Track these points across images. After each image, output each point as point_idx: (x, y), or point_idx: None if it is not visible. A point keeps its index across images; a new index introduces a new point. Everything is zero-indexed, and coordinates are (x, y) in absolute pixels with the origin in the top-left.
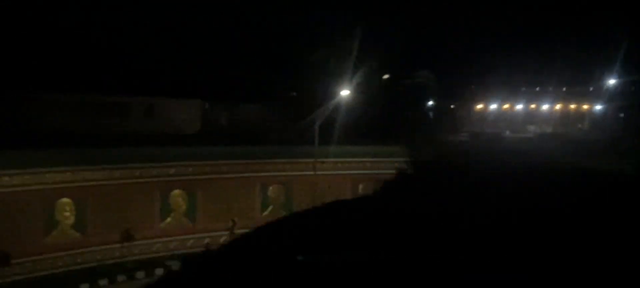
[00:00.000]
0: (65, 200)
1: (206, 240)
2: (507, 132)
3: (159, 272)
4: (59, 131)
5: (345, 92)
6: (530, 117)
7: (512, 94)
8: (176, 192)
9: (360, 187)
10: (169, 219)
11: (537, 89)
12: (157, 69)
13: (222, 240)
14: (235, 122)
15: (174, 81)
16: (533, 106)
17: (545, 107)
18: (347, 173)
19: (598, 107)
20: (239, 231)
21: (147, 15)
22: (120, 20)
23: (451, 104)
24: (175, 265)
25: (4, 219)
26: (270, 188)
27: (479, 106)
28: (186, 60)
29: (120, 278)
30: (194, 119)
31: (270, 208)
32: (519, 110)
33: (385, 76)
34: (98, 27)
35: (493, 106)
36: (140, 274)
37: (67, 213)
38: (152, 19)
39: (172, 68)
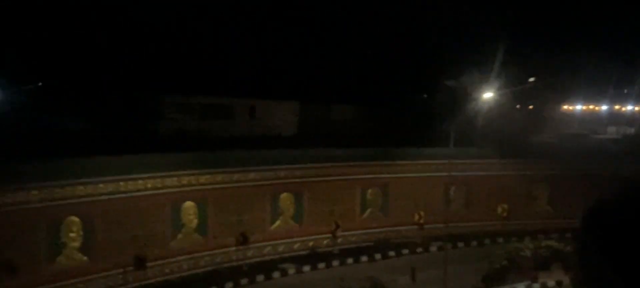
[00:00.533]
0: (189, 203)
1: (311, 243)
2: (590, 134)
3: (276, 275)
4: (170, 133)
5: (488, 94)
6: (613, 118)
7: (600, 94)
8: (285, 195)
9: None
10: (278, 222)
11: (626, 91)
12: (256, 70)
13: (325, 243)
14: (329, 123)
15: (272, 82)
16: (617, 107)
17: (629, 108)
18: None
19: None
20: (348, 232)
21: (245, 16)
22: (219, 21)
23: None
24: (291, 269)
25: (139, 223)
26: (369, 191)
27: (565, 107)
28: (282, 61)
29: (243, 281)
30: (291, 120)
31: (368, 210)
32: (603, 111)
33: (531, 79)
34: (199, 29)
35: (578, 107)
36: (260, 277)
37: (191, 217)
38: (250, 19)
39: (269, 69)
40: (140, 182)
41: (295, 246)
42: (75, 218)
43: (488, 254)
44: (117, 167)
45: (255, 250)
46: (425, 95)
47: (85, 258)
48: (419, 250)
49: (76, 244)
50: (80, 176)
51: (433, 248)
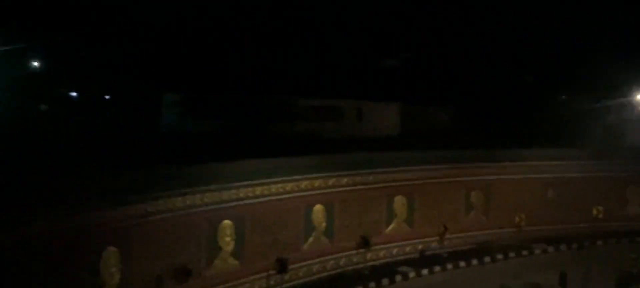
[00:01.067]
0: (319, 206)
1: (420, 246)
2: None
3: (398, 279)
4: (286, 135)
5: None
6: None
7: None
8: (398, 197)
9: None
10: (392, 225)
11: None
12: (362, 71)
13: (433, 245)
14: (429, 124)
15: (375, 83)
16: None
17: None
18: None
19: None
20: (453, 236)
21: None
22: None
23: None
24: (410, 272)
25: (279, 226)
26: (473, 193)
27: None
28: (384, 62)
29: (371, 285)
30: (394, 122)
31: (472, 213)
32: None
33: None
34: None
35: None
36: (385, 281)
37: (321, 220)
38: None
39: (372, 70)
40: (279, 185)
41: (407, 249)
42: (229, 222)
43: (597, 256)
44: (258, 171)
45: (372, 253)
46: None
47: (236, 262)
48: (524, 253)
49: (229, 248)
50: (231, 180)
51: (537, 251)
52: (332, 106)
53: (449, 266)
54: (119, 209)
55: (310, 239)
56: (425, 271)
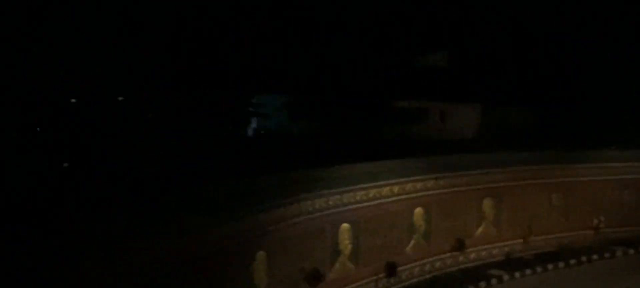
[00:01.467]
0: (419, 209)
1: (506, 249)
2: None
3: (494, 282)
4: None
5: None
6: None
7: None
8: (487, 200)
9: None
10: (481, 228)
11: None
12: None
13: (517, 248)
14: (507, 125)
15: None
16: None
17: None
18: None
19: None
20: (535, 238)
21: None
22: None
23: None
24: (505, 275)
25: (386, 230)
26: (553, 195)
27: None
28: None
29: None
30: (474, 123)
31: (553, 215)
32: None
33: None
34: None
35: None
36: (482, 284)
37: (421, 223)
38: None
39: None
40: (387, 188)
41: (493, 251)
42: (347, 226)
43: None
44: (371, 173)
45: (464, 256)
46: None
47: (352, 266)
48: (607, 255)
49: (348, 252)
50: (351, 182)
51: (618, 254)
52: (418, 108)
53: (539, 269)
54: (268, 213)
55: (412, 242)
56: (517, 274)
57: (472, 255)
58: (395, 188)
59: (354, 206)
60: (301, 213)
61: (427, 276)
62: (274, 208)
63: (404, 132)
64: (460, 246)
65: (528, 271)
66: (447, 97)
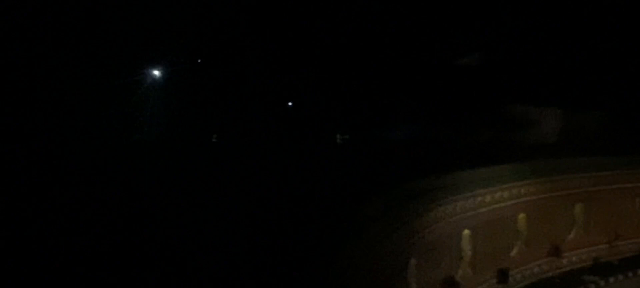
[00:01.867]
0: (522, 215)
1: (593, 254)
2: None
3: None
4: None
5: None
6: None
7: None
8: (578, 205)
9: None
10: (572, 233)
11: None
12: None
13: (604, 253)
14: (583, 129)
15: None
16: None
17: None
18: None
19: None
20: (619, 242)
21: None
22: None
23: None
24: (601, 281)
25: (497, 235)
26: (637, 199)
27: None
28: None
29: None
30: (555, 127)
31: (637, 219)
32: None
33: None
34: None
35: None
36: None
37: (524, 228)
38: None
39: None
40: (499, 193)
41: (583, 256)
42: (468, 231)
43: None
44: (489, 178)
45: (557, 262)
46: None
47: (471, 271)
48: None
49: (468, 257)
50: (473, 187)
51: None
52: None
53: (630, 274)
54: (421, 218)
55: (516, 248)
56: (611, 279)
57: (565, 260)
58: (505, 194)
59: (474, 212)
60: (438, 219)
61: (527, 282)
62: (424, 213)
63: (499, 138)
64: (556, 251)
65: (620, 276)
66: (528, 100)
